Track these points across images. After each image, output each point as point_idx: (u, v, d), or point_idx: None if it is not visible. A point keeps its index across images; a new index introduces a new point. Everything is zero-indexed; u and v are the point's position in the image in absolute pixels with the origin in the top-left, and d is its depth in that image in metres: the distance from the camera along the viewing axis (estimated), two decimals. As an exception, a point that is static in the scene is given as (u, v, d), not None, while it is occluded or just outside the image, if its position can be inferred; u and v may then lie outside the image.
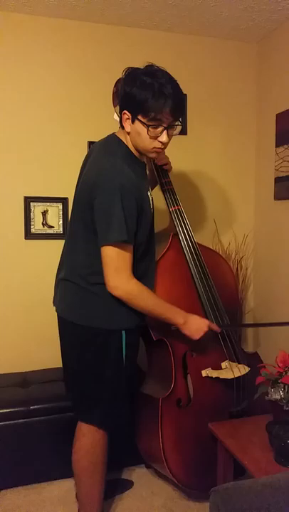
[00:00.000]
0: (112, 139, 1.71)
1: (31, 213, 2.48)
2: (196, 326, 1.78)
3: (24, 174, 2.47)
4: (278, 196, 2.56)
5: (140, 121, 1.57)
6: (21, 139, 2.45)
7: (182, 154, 2.64)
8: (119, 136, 1.69)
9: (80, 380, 1.75)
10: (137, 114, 1.57)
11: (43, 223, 2.51)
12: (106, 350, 1.69)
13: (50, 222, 2.52)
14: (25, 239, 2.49)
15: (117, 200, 1.53)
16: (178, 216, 2.03)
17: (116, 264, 1.57)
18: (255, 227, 2.84)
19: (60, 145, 2.49)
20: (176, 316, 1.76)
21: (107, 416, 1.75)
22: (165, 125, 1.58)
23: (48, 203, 2.50)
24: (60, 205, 2.51)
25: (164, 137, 1.60)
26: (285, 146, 2.46)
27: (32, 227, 2.49)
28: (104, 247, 1.57)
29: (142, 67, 1.61)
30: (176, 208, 2.03)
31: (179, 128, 1.70)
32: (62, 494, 2.09)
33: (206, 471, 1.91)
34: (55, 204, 2.51)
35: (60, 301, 1.77)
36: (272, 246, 2.66)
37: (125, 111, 1.60)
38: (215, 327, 1.85)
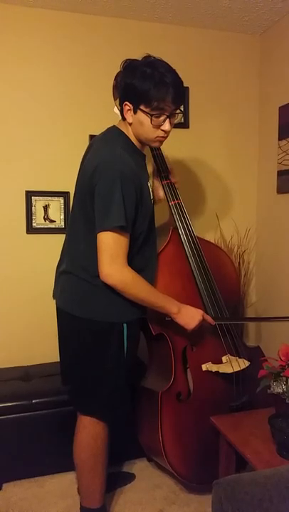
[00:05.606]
0: (113, 130, 1.72)
1: (33, 207, 2.47)
2: (190, 315, 1.78)
3: (25, 168, 2.46)
4: (281, 190, 2.54)
5: (143, 111, 1.59)
6: (22, 133, 2.43)
7: (184, 148, 2.63)
8: (119, 128, 1.70)
9: (81, 373, 1.75)
10: (139, 104, 1.58)
11: (44, 217, 2.50)
12: (107, 342, 1.69)
13: (51, 216, 2.51)
14: (27, 233, 2.48)
15: (116, 187, 1.53)
16: (177, 210, 2.02)
17: (112, 250, 1.56)
18: (258, 220, 2.83)
19: (61, 139, 2.48)
20: (170, 305, 1.75)
21: (107, 408, 1.75)
22: (167, 113, 1.60)
23: (50, 197, 2.49)
24: (61, 199, 2.51)
25: (166, 125, 1.62)
26: (288, 139, 2.44)
27: (33, 221, 2.48)
28: (100, 233, 1.56)
29: (139, 59, 1.63)
30: (175, 201, 2.02)
31: (179, 116, 1.73)
32: (65, 487, 2.10)
33: (206, 465, 1.92)
34: (56, 198, 2.50)
35: (60, 293, 1.77)
36: (275, 240, 2.65)
37: (126, 102, 1.61)
38: (209, 319, 1.85)
